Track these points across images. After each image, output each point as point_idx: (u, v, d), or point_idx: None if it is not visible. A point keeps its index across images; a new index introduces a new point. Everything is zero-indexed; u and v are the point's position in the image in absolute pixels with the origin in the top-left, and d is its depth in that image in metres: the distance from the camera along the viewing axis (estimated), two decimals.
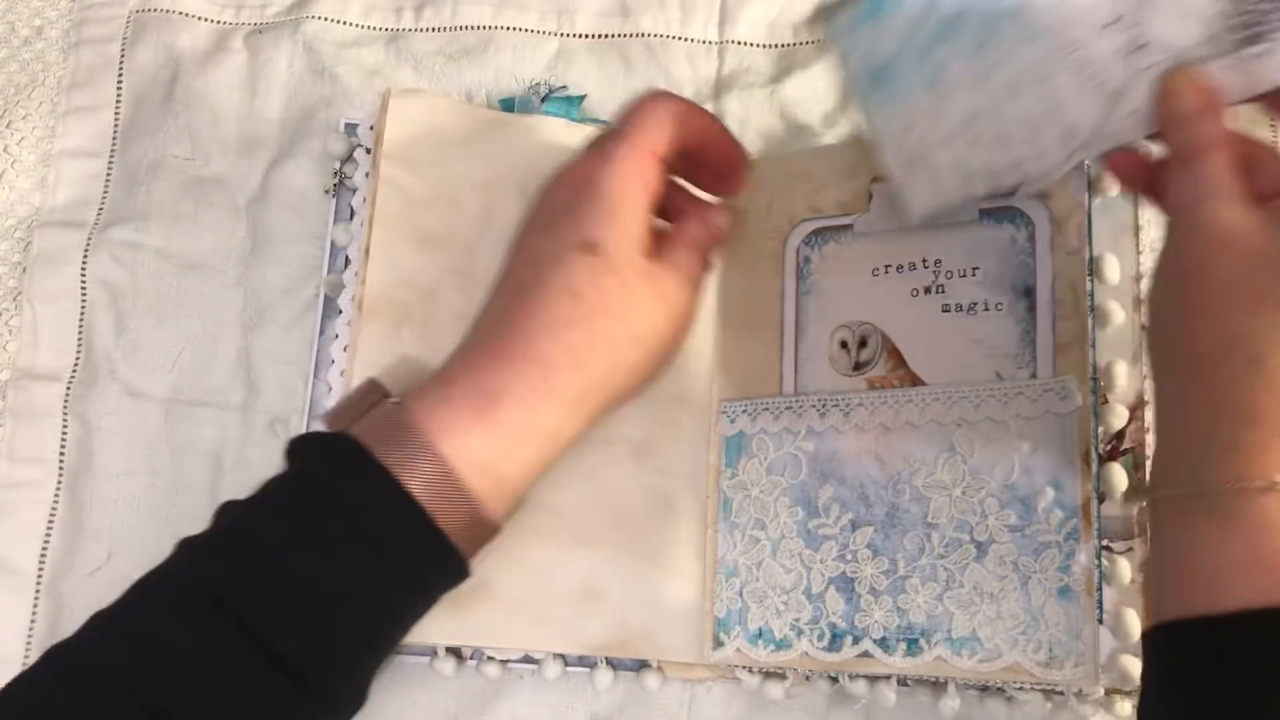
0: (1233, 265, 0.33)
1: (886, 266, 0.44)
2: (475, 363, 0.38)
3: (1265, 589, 0.31)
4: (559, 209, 0.39)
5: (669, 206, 0.42)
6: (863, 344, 0.45)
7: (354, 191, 0.50)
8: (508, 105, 0.52)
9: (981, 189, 0.40)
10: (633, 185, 0.39)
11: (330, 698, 0.35)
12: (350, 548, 0.35)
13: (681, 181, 0.44)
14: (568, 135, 0.49)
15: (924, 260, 0.44)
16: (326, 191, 0.51)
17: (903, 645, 0.41)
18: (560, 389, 0.37)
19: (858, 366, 0.45)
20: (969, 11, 0.38)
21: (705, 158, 0.43)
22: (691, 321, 0.42)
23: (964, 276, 0.43)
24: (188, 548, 0.36)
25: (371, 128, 0.49)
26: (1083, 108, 0.37)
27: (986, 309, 0.43)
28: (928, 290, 0.44)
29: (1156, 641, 0.33)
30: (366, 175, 0.49)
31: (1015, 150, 0.39)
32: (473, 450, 0.36)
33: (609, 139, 0.40)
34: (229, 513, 0.37)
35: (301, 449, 0.38)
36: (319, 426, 0.47)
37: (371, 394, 0.39)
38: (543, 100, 0.52)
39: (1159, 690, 0.33)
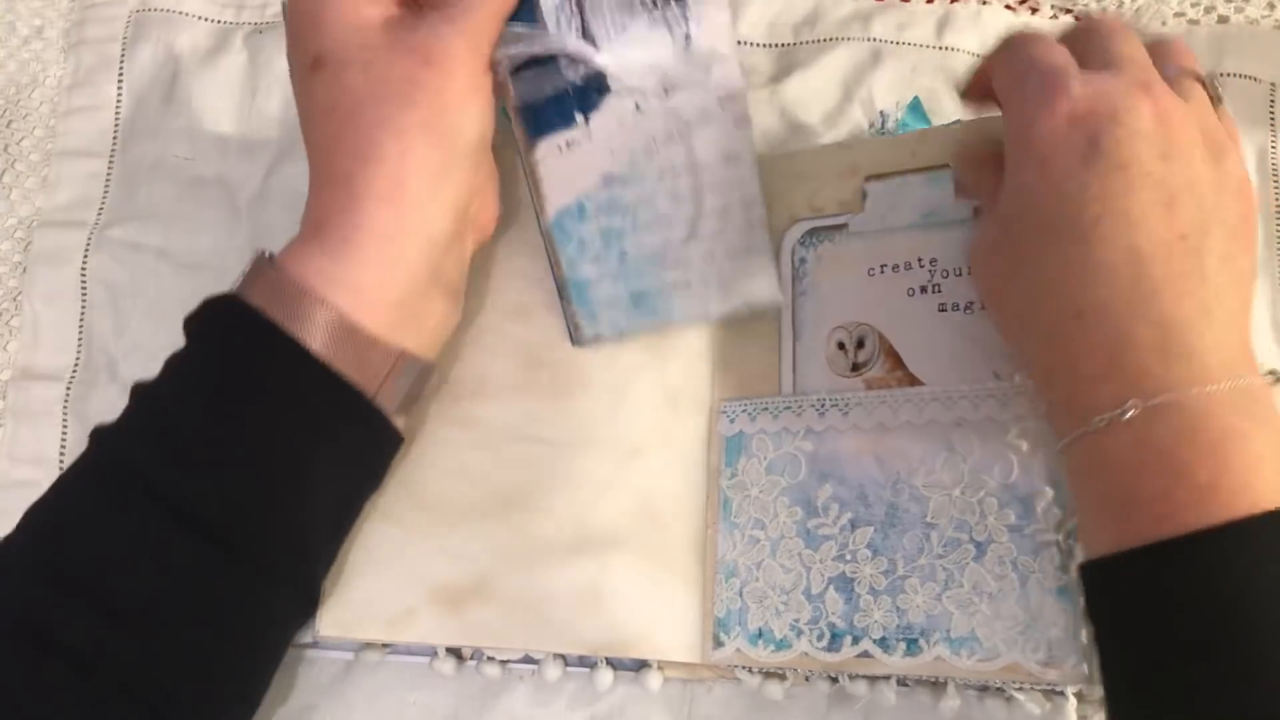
0: (988, 259, 0.37)
1: (882, 266, 0.44)
2: (311, 198, 0.38)
3: (1110, 536, 0.33)
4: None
5: None
6: (860, 345, 0.45)
7: None
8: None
9: (762, 232, 0.44)
10: None
11: (245, 553, 0.35)
12: (226, 382, 0.36)
13: None
14: None
15: (919, 259, 0.44)
16: None
17: (902, 645, 0.41)
18: (360, 186, 0.36)
19: (855, 368, 0.45)
20: (601, 221, 0.43)
21: None
22: (465, 53, 0.37)
23: (960, 275, 0.43)
24: (96, 431, 0.37)
25: None
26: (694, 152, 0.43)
27: (983, 307, 0.43)
28: (924, 289, 0.44)
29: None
30: None
31: (732, 200, 0.43)
32: (312, 263, 0.36)
33: None
34: (134, 394, 0.38)
35: (189, 316, 0.38)
36: None
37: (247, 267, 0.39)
38: None
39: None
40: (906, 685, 0.45)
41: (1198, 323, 0.32)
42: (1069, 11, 0.55)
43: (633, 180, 0.43)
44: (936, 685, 0.45)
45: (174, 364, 0.38)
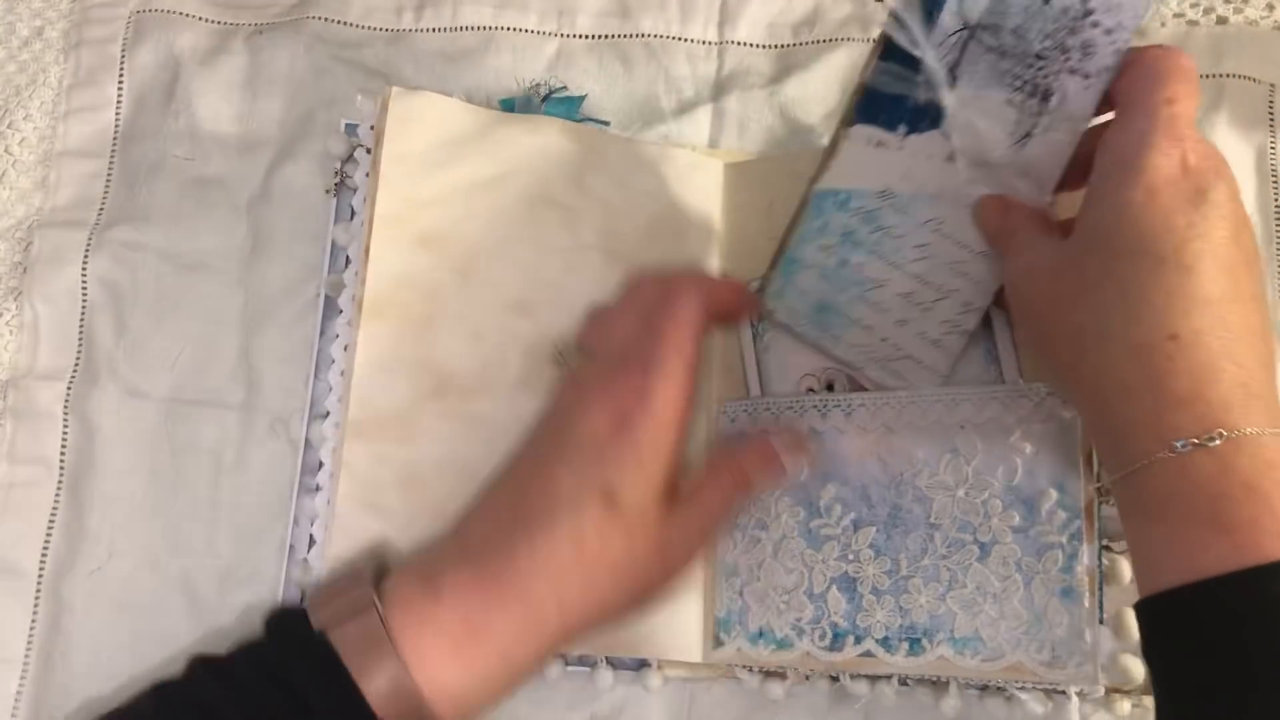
0: (1050, 280, 0.37)
1: None
2: (465, 584, 0.37)
3: (1186, 564, 0.33)
4: (589, 439, 0.38)
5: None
6: (829, 388, 0.45)
7: (354, 191, 0.50)
8: (508, 106, 0.52)
9: (958, 343, 0.43)
10: (669, 426, 0.38)
11: None
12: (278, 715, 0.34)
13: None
14: (568, 135, 0.49)
15: None
16: (327, 191, 0.51)
17: (905, 645, 0.42)
18: (540, 632, 0.37)
19: None
20: (853, 221, 0.43)
21: (722, 316, 0.43)
22: (686, 570, 0.40)
23: None
24: (156, 699, 0.36)
25: (372, 128, 0.49)
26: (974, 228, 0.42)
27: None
28: None
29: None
30: (367, 175, 0.49)
31: (959, 297, 0.43)
32: (443, 678, 0.36)
33: (651, 350, 0.39)
34: (200, 677, 0.36)
35: (280, 634, 0.37)
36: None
37: (357, 585, 0.38)
38: (543, 100, 0.52)
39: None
40: (907, 685, 0.45)
41: (1266, 370, 0.34)
42: None
43: (901, 212, 0.43)
44: (937, 685, 0.45)
45: (243, 665, 0.36)
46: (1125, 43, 0.39)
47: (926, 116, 0.42)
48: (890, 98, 0.42)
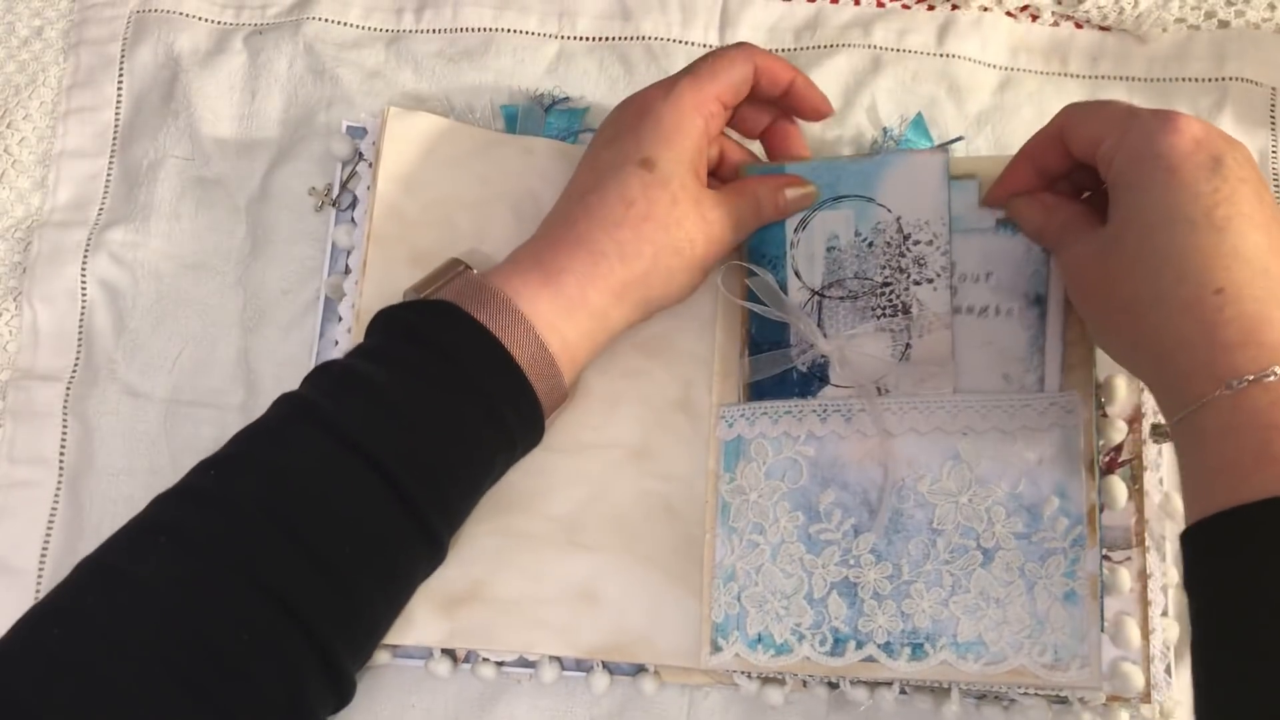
0: (1098, 263, 0.40)
1: None
2: (538, 249, 0.43)
3: (1230, 491, 0.35)
4: (623, 128, 0.44)
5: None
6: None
7: (354, 199, 0.50)
8: (510, 113, 0.52)
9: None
10: (690, 117, 0.43)
11: (433, 532, 0.40)
12: (450, 385, 0.40)
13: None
14: (560, 156, 0.49)
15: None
16: (314, 199, 0.51)
17: (907, 650, 0.42)
18: (607, 275, 0.42)
19: None
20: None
21: (789, 104, 0.47)
22: (726, 251, 0.45)
23: (977, 281, 0.45)
24: (289, 399, 0.40)
25: (374, 142, 0.49)
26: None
27: (998, 313, 0.44)
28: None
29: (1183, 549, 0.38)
30: (369, 188, 0.49)
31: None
32: (542, 310, 0.41)
33: (678, 76, 0.45)
34: (326, 370, 0.41)
35: (391, 312, 0.42)
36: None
37: (452, 268, 0.44)
38: (546, 110, 0.51)
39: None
40: (906, 692, 0.45)
41: None
42: (1069, 18, 0.55)
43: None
44: (936, 691, 0.45)
45: (378, 347, 0.41)
46: (947, 239, 0.44)
47: (814, 379, 0.45)
48: (774, 381, 0.45)
